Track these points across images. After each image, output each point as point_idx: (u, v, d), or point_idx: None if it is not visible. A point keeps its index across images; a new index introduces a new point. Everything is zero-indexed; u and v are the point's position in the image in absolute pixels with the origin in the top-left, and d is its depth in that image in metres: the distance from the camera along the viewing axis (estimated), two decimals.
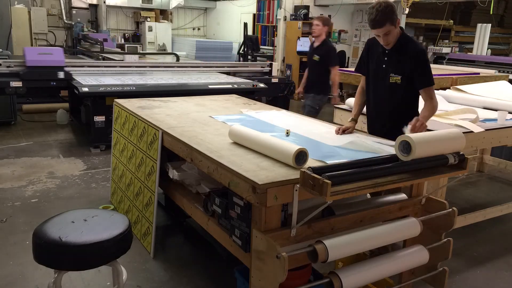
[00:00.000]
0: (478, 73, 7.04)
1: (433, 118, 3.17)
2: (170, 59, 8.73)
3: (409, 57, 2.73)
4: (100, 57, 7.75)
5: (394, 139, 2.04)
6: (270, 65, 7.71)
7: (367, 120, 3.09)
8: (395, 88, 2.80)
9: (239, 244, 2.18)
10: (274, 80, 7.36)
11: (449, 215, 2.26)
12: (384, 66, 2.84)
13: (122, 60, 6.98)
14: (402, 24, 10.07)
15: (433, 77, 2.79)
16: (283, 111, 3.55)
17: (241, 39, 11.06)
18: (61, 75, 5.81)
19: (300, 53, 10.28)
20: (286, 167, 2.09)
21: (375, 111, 2.97)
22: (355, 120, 2.93)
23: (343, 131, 2.76)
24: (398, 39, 2.76)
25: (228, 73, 7.25)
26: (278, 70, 10.44)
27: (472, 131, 3.07)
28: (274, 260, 1.79)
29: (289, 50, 10.47)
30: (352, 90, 6.56)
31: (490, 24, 9.16)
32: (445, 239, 2.28)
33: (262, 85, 6.38)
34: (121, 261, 2.18)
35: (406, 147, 1.93)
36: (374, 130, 2.98)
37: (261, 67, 7.73)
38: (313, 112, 5.29)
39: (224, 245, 2.40)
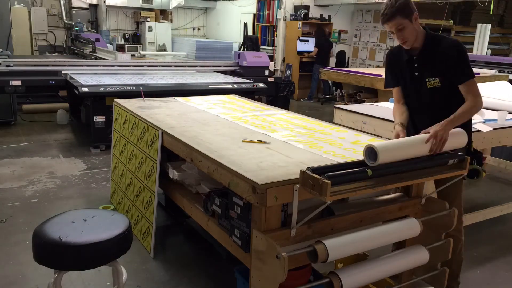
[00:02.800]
0: (478, 73, 7.04)
1: None
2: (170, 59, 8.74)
3: (443, 53, 2.38)
4: (93, 57, 7.76)
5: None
6: None
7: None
8: (436, 93, 2.45)
9: (239, 244, 2.18)
10: (271, 79, 7.36)
11: (449, 215, 2.25)
12: (417, 73, 2.49)
13: (115, 60, 6.98)
14: None
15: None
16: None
17: (241, 39, 11.06)
18: (266, 73, 7.43)
19: (300, 53, 10.29)
20: (286, 167, 2.09)
21: (421, 126, 2.37)
22: (403, 125, 2.48)
23: (397, 136, 2.37)
24: (425, 39, 2.42)
25: (225, 73, 7.26)
26: (278, 70, 10.47)
27: (480, 130, 3.08)
28: (274, 260, 1.79)
29: (289, 50, 10.47)
30: (352, 90, 6.55)
31: (490, 24, 9.15)
32: (445, 239, 2.28)
33: (262, 85, 6.38)
34: (121, 261, 2.18)
35: (373, 154, 1.89)
36: None
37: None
38: None
39: (224, 245, 2.40)
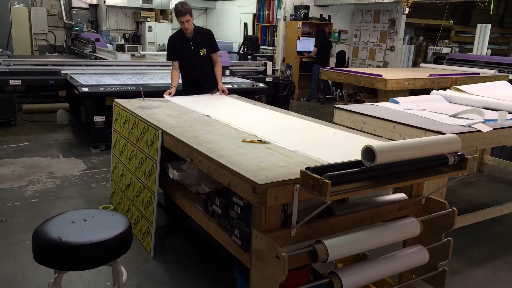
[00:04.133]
0: (478, 73, 7.03)
1: (441, 119, 3.18)
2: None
3: (204, 35, 4.42)
4: (93, 57, 7.75)
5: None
6: (265, 64, 7.71)
7: None
8: (204, 57, 4.38)
9: (239, 244, 2.18)
10: (269, 79, 7.35)
11: (449, 215, 2.26)
12: (193, 48, 4.33)
13: (115, 60, 6.98)
14: (402, 25, 10.09)
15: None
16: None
17: (241, 39, 11.06)
18: (227, 73, 6.98)
19: (300, 53, 10.29)
20: (286, 167, 2.09)
21: (192, 74, 4.52)
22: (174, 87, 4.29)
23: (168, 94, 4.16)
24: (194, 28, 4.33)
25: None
26: (278, 70, 10.47)
27: (479, 130, 3.08)
28: (274, 260, 1.79)
29: (289, 50, 10.47)
30: (352, 90, 6.55)
31: (490, 24, 9.15)
32: (445, 239, 2.28)
33: (262, 85, 6.38)
34: (121, 261, 2.18)
35: (371, 155, 1.89)
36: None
37: (256, 66, 7.74)
38: None
39: (224, 245, 2.40)
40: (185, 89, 4.46)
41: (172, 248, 3.23)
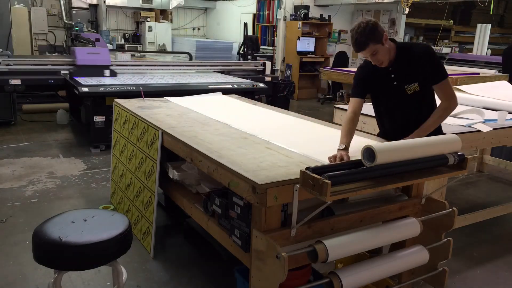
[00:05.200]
0: (478, 73, 7.04)
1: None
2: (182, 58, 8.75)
3: (416, 60, 2.48)
4: None
5: None
6: (264, 64, 7.71)
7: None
8: (416, 98, 2.54)
9: (239, 244, 2.18)
10: (268, 79, 7.35)
11: (449, 215, 2.26)
12: (395, 83, 2.55)
13: (115, 60, 6.98)
14: (402, 25, 10.09)
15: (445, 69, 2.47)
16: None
17: (241, 39, 11.05)
18: (107, 73, 6.18)
19: (300, 53, 10.29)
20: (286, 167, 2.09)
21: (402, 134, 2.48)
22: (347, 148, 2.30)
23: (341, 159, 2.15)
24: (397, 51, 2.50)
25: (222, 72, 7.26)
26: (278, 70, 10.47)
27: (480, 130, 3.08)
28: (274, 260, 1.79)
29: (289, 50, 10.47)
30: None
31: (490, 24, 9.16)
32: (445, 239, 2.28)
33: (262, 85, 6.38)
34: (121, 261, 2.18)
35: (371, 155, 1.88)
36: None
37: (255, 66, 7.74)
38: None
39: (224, 245, 2.40)
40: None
41: (172, 248, 3.23)
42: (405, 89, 2.53)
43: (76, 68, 6.09)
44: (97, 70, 6.10)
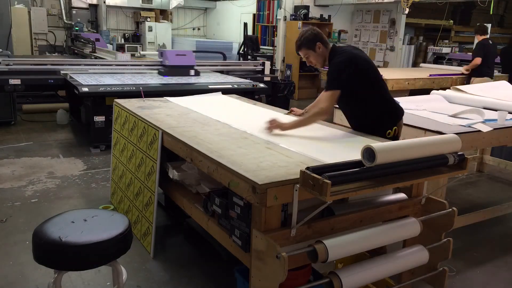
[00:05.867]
0: None
1: (441, 119, 3.17)
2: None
3: (329, 66, 2.88)
4: (93, 57, 7.74)
5: None
6: (263, 64, 7.70)
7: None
8: (345, 97, 2.84)
9: (239, 244, 2.18)
10: (267, 79, 7.34)
11: (449, 215, 2.26)
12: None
13: (115, 59, 6.98)
14: (402, 25, 10.09)
15: (337, 82, 2.74)
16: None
17: (241, 39, 11.06)
18: (192, 72, 6.63)
19: None
20: (286, 167, 2.09)
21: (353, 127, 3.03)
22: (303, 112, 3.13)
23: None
24: (329, 57, 2.86)
25: (221, 72, 7.26)
26: (278, 70, 10.47)
27: (480, 130, 3.08)
28: (274, 260, 1.79)
29: (289, 50, 10.46)
30: None
31: (490, 24, 9.15)
32: (445, 239, 2.28)
33: (262, 85, 6.38)
34: (121, 261, 2.18)
35: (371, 155, 1.89)
36: None
37: (254, 66, 7.74)
38: None
39: (224, 245, 2.40)
40: None
41: (172, 248, 3.23)
42: None
43: (166, 68, 6.58)
44: (184, 70, 6.58)
